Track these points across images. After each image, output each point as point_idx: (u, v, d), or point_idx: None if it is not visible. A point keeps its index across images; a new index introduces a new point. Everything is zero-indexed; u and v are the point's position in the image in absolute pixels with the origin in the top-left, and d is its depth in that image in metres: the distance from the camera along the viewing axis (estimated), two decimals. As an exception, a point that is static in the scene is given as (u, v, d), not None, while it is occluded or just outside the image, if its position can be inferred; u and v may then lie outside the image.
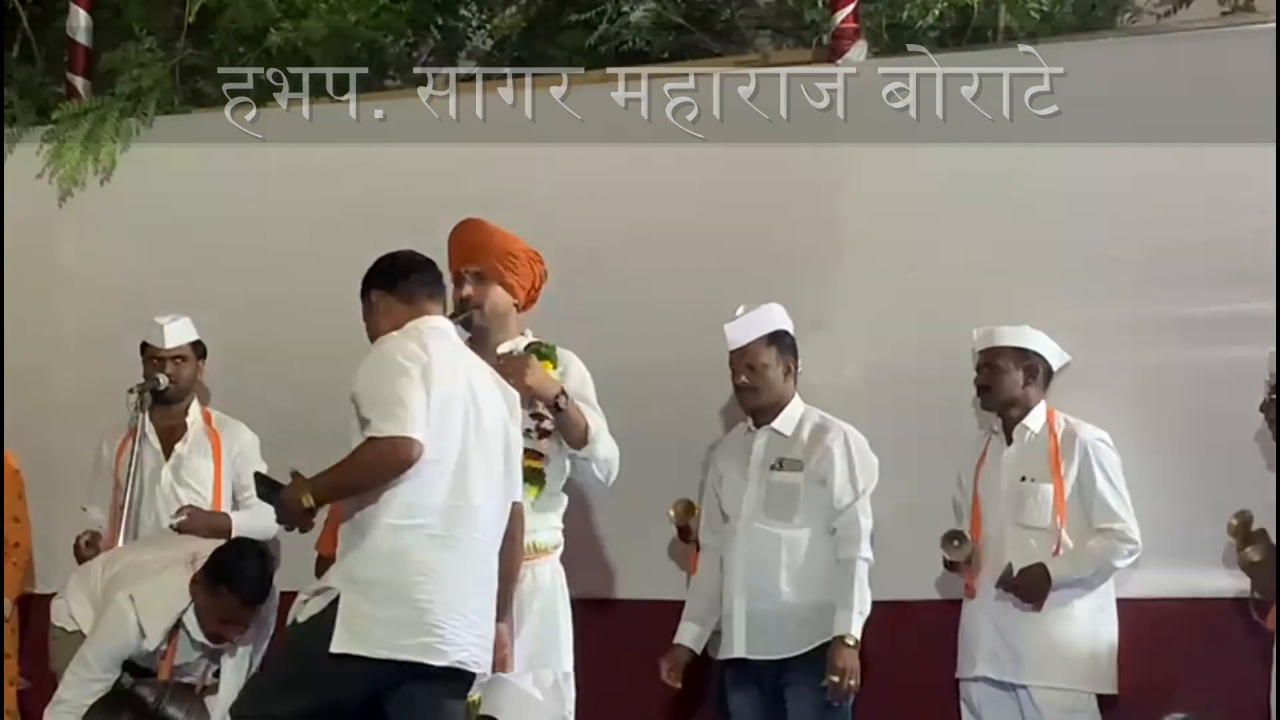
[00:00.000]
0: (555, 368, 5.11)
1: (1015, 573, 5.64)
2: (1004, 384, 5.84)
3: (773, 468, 5.67)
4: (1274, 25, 6.12)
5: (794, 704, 5.51)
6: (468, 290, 5.10)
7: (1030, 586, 5.63)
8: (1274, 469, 5.66)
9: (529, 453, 4.97)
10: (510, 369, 4.90)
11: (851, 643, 5.43)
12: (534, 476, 5.01)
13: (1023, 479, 5.78)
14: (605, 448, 5.08)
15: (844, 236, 6.42)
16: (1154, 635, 5.80)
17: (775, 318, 5.75)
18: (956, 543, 5.76)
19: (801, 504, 5.60)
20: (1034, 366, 5.85)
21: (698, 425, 6.37)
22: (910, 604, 6.10)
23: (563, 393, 4.98)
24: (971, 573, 5.80)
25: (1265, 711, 5.39)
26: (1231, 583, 5.68)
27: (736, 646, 5.60)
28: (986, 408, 5.95)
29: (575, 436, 5.02)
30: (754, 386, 5.71)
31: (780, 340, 5.73)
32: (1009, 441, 5.86)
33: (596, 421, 5.08)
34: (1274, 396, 5.45)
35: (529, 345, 5.14)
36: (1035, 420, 5.84)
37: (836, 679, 5.41)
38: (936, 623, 5.99)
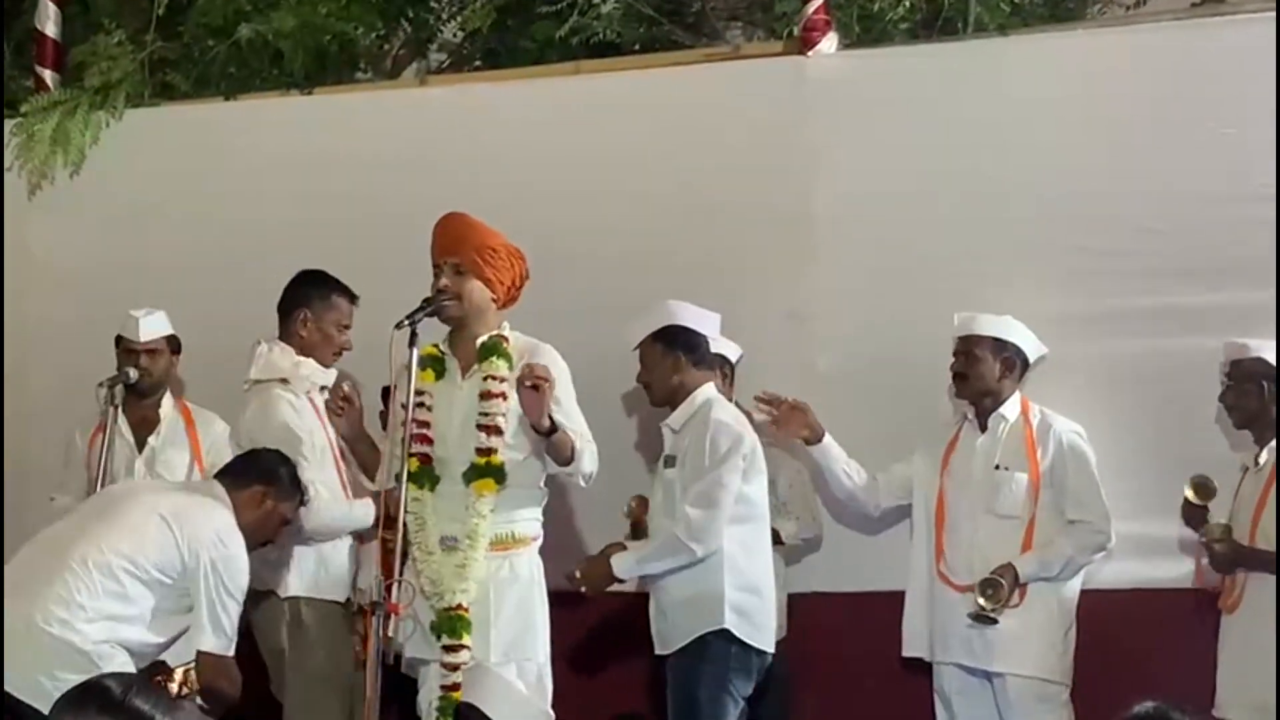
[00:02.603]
0: (509, 363, 5.10)
1: (981, 580, 5.61)
2: (980, 372, 5.82)
3: (665, 465, 5.66)
4: (1243, 16, 6.19)
5: (669, 694, 5.53)
6: (444, 281, 5.11)
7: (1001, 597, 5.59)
8: (1236, 450, 5.74)
9: (481, 450, 5.02)
10: (532, 378, 4.87)
11: (610, 566, 5.41)
12: (490, 471, 5.02)
13: (997, 467, 5.78)
14: (589, 463, 5.08)
15: (818, 229, 6.44)
16: (1121, 625, 5.85)
17: (664, 314, 5.71)
18: (990, 590, 5.62)
19: (678, 500, 5.53)
20: (1011, 359, 5.83)
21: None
22: (885, 595, 6.15)
23: (553, 420, 4.95)
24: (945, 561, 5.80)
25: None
26: (1172, 571, 5.80)
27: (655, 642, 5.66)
28: (960, 395, 5.94)
29: (561, 457, 5.02)
30: (645, 383, 5.76)
31: (668, 336, 5.67)
32: (982, 429, 5.86)
33: (580, 434, 5.07)
34: (1229, 383, 5.53)
35: (490, 338, 5.13)
36: (1010, 410, 5.83)
37: (578, 574, 5.42)
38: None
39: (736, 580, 5.46)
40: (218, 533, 4.95)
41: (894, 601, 5.94)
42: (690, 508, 5.41)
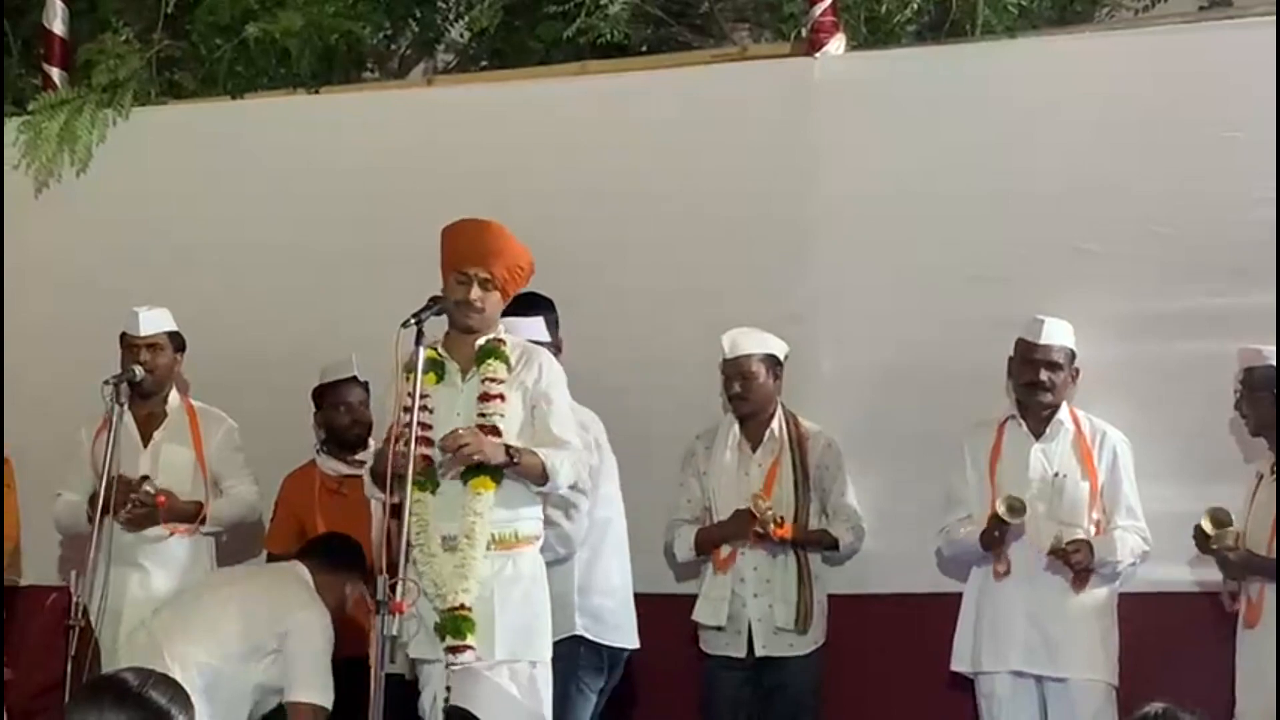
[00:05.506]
0: (507, 366, 5.09)
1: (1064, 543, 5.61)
2: (1060, 382, 5.79)
3: None
4: (1251, 20, 6.19)
5: None
6: (474, 294, 5.09)
7: (1083, 558, 5.59)
8: (1250, 460, 5.72)
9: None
10: (455, 448, 4.93)
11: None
12: (487, 470, 5.01)
13: (1057, 474, 5.76)
14: (566, 475, 5.08)
15: (824, 229, 6.42)
16: (1146, 628, 5.82)
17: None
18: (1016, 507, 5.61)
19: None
20: (1077, 368, 5.84)
21: (686, 419, 6.33)
22: (885, 597, 6.17)
23: (509, 452, 4.97)
24: (1006, 556, 5.73)
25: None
26: (1204, 575, 5.73)
27: None
28: (1036, 407, 5.83)
29: (535, 477, 5.05)
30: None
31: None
32: (1037, 435, 5.83)
33: (561, 442, 5.08)
34: (1242, 391, 5.53)
35: (487, 341, 5.13)
36: (1065, 416, 5.82)
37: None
38: (921, 617, 6.01)
39: (586, 584, 5.55)
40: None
41: (928, 604, 5.98)
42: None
